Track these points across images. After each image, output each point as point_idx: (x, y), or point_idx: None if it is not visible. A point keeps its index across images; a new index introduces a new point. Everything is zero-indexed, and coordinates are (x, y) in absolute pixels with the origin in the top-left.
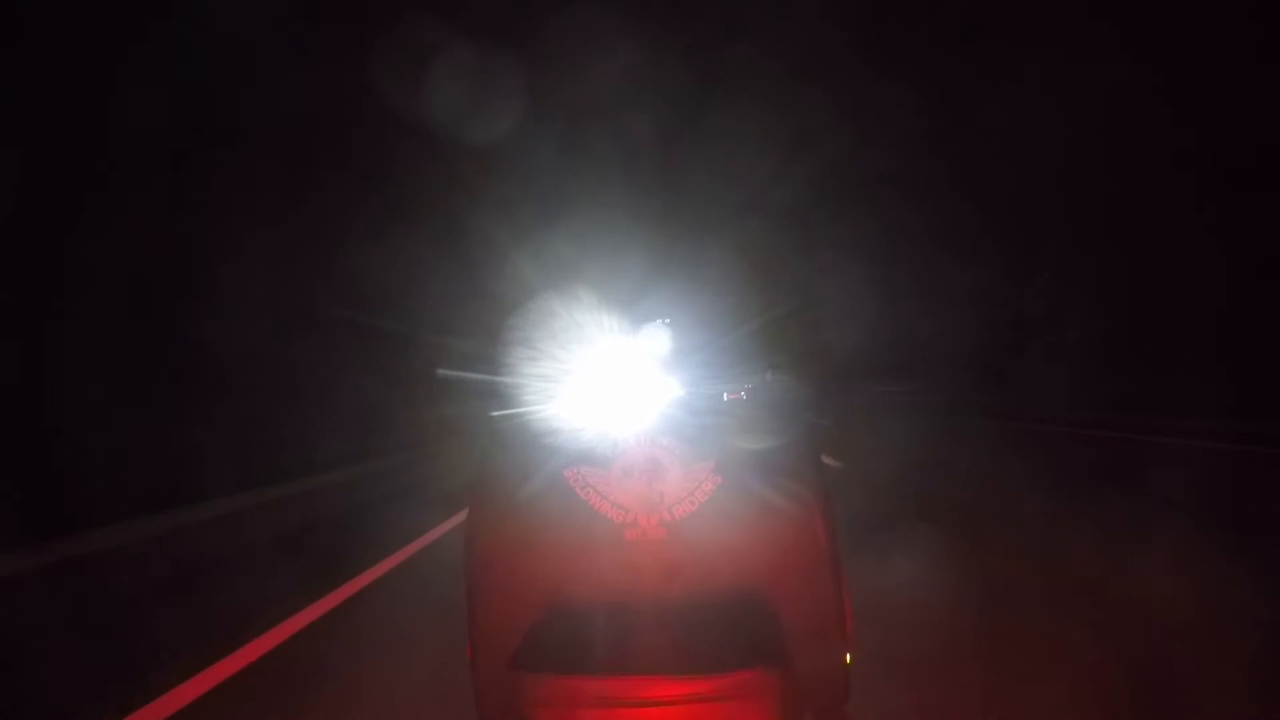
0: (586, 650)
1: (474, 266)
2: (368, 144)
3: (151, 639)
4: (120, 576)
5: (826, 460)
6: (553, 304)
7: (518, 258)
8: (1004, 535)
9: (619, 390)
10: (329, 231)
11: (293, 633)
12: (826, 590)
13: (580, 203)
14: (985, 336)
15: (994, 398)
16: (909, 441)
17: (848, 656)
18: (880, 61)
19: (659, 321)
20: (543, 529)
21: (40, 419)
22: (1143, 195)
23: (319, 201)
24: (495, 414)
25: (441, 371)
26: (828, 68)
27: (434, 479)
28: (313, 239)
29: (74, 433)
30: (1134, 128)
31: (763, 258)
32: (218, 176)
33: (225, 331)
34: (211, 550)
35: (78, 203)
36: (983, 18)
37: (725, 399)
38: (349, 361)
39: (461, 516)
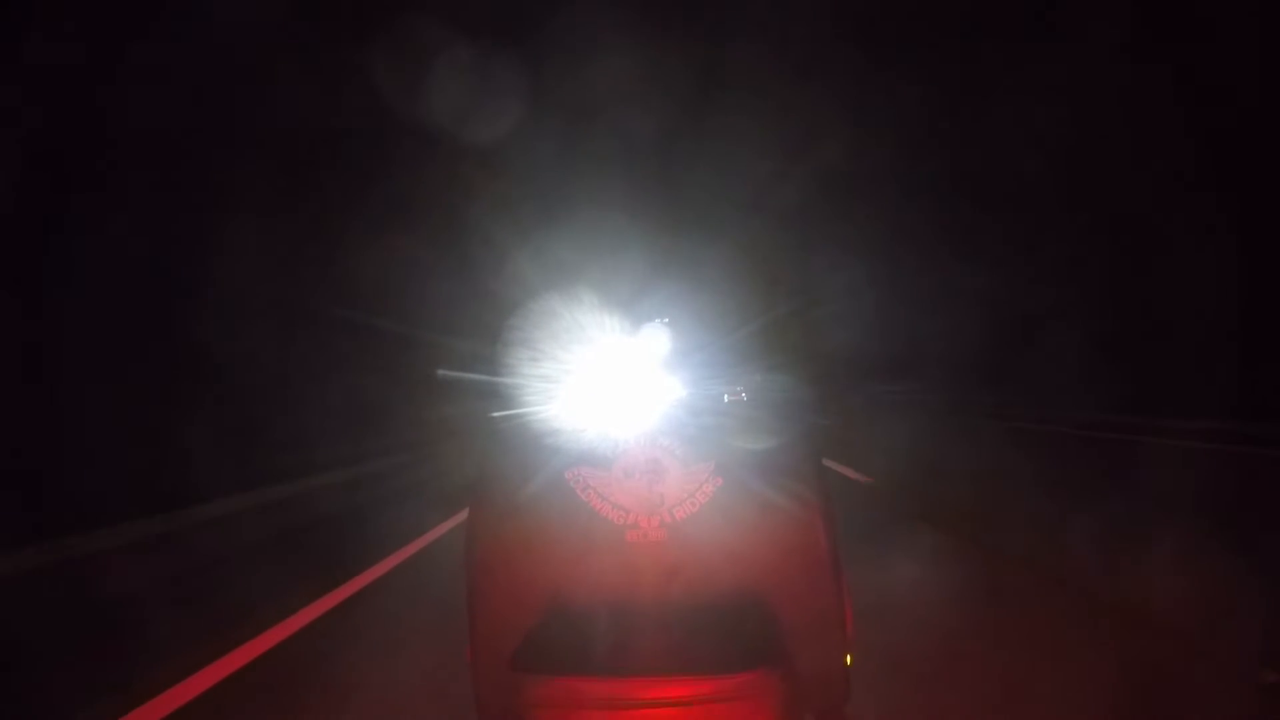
0: (587, 651)
1: (474, 266)
2: (368, 144)
3: (150, 638)
4: (119, 576)
5: (828, 463)
6: (553, 304)
7: (518, 257)
8: (1004, 535)
9: (620, 390)
10: (329, 231)
11: (291, 632)
12: (827, 591)
13: (581, 203)
14: (986, 336)
15: (994, 397)
16: (909, 441)
17: (848, 657)
18: (881, 60)
19: (659, 321)
20: (543, 530)
21: (40, 419)
22: (1144, 194)
23: (319, 201)
24: (495, 414)
25: (441, 372)
26: (829, 67)
27: (433, 479)
28: (313, 239)
29: (73, 433)
30: (1135, 126)
31: (764, 258)
32: (217, 176)
33: (225, 331)
34: (210, 550)
35: (77, 203)
36: (984, 17)
37: (726, 399)
38: (349, 361)
39: (460, 516)
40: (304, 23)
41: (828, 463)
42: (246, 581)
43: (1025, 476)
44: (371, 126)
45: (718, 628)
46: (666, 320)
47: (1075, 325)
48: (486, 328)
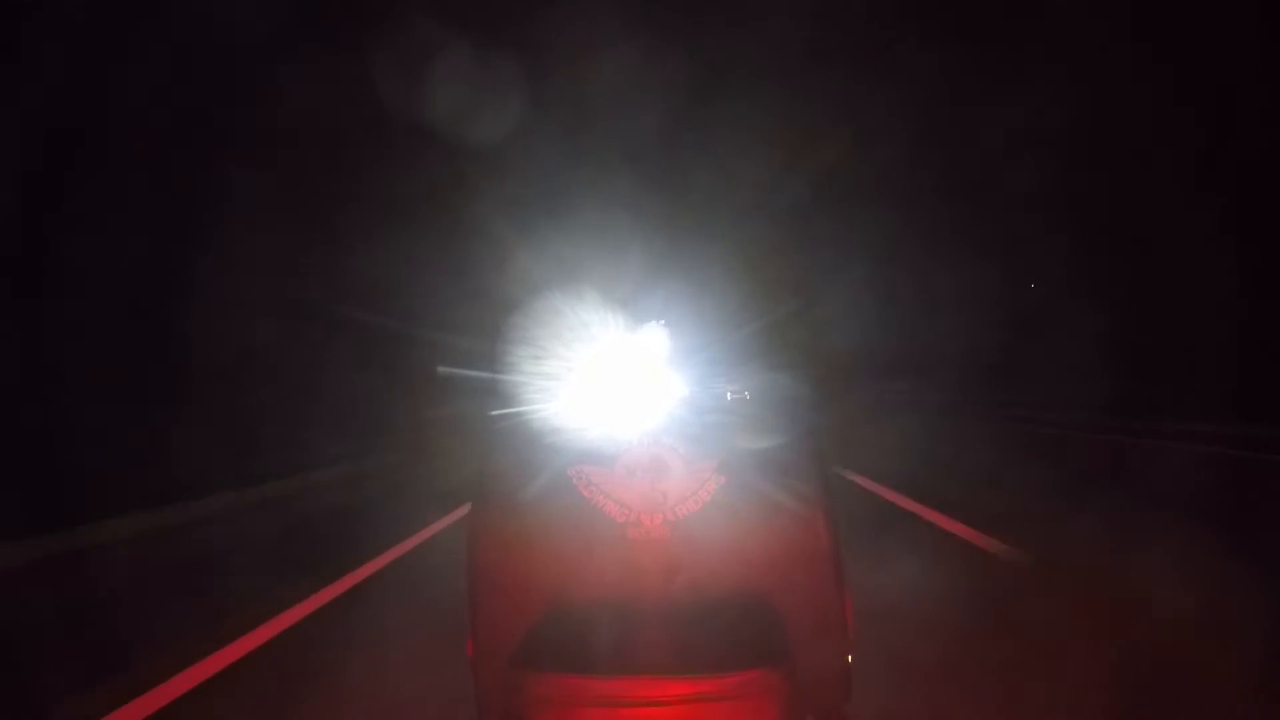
0: (589, 650)
1: (475, 265)
2: (369, 142)
3: (148, 631)
4: (117, 570)
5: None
6: (555, 302)
7: (519, 256)
8: (1000, 533)
9: (622, 389)
10: (329, 230)
11: (288, 625)
12: (829, 590)
13: (582, 202)
14: (986, 335)
15: (993, 396)
16: (907, 439)
17: (849, 657)
18: (882, 60)
19: (660, 321)
20: (545, 527)
21: (41, 417)
22: (1144, 195)
23: (319, 199)
24: (495, 413)
25: (441, 369)
26: (830, 67)
27: (431, 478)
28: (313, 237)
29: (74, 430)
30: (1135, 127)
31: (765, 257)
32: (218, 175)
33: (224, 329)
34: (208, 546)
35: (77, 202)
36: (985, 17)
37: (729, 398)
38: (348, 359)
39: (458, 514)
40: (305, 20)
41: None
42: (243, 577)
43: (1020, 475)
44: (372, 124)
45: (720, 626)
46: (665, 321)
47: (1076, 325)
48: (486, 325)
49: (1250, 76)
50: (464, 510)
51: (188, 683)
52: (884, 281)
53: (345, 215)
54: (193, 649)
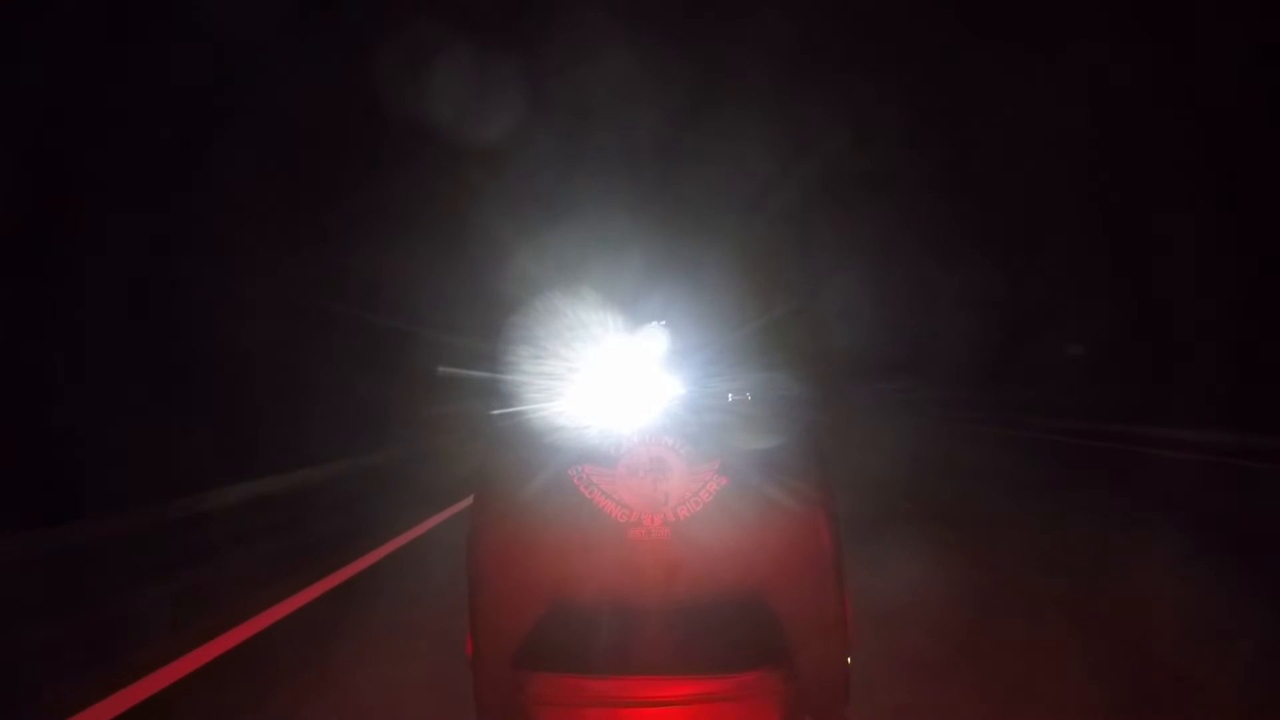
0: (589, 650)
1: (475, 265)
2: (371, 143)
3: (146, 621)
4: (114, 564)
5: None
6: (555, 302)
7: (520, 256)
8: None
9: (622, 388)
10: (332, 230)
11: (284, 616)
12: (829, 591)
13: (583, 203)
14: (983, 336)
15: (988, 398)
16: (904, 438)
17: (848, 658)
18: (881, 61)
19: (659, 322)
20: (546, 527)
21: (47, 418)
22: (1144, 196)
23: (323, 200)
24: (495, 412)
25: (441, 369)
26: (829, 67)
27: (434, 473)
28: (316, 237)
29: (77, 431)
30: (1134, 129)
31: (763, 257)
32: (220, 175)
33: (225, 329)
34: (207, 540)
35: (80, 204)
36: (984, 17)
37: (730, 399)
38: (348, 359)
39: (452, 512)
40: (309, 22)
41: None
42: (242, 572)
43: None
44: (374, 126)
45: (720, 627)
46: (664, 322)
47: (1072, 327)
48: (487, 326)
49: (1251, 75)
50: (463, 504)
51: (191, 664)
52: (881, 281)
53: (347, 215)
54: (197, 636)
